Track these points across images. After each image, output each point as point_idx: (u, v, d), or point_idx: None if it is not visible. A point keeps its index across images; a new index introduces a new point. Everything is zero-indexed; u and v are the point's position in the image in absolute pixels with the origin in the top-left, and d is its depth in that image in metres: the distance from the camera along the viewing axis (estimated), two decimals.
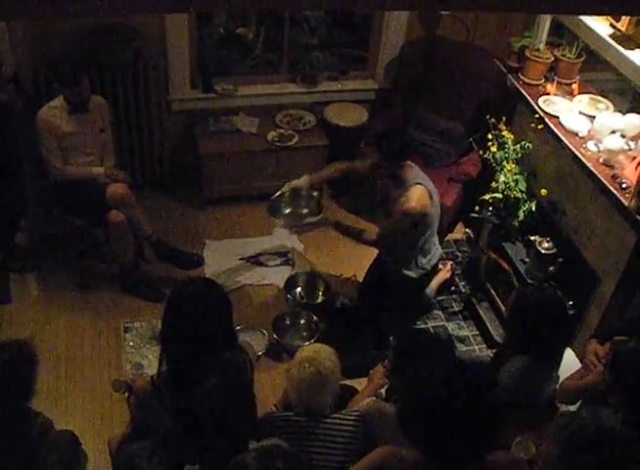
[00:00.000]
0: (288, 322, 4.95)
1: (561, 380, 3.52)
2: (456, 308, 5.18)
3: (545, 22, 4.78)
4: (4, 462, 3.05)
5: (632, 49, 4.19)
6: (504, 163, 4.68)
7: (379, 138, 4.33)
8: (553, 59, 4.81)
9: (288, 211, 4.70)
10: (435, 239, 4.65)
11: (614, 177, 4.06)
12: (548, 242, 4.42)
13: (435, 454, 2.32)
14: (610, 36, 4.34)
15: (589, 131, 4.40)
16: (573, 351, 3.82)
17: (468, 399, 2.22)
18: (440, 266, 5.24)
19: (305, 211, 4.66)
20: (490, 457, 2.38)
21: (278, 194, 4.67)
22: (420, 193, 4.21)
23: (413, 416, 2.32)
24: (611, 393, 3.03)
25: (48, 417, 3.33)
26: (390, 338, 3.48)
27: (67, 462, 3.38)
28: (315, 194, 4.66)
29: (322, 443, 3.07)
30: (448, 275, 5.21)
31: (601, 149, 4.25)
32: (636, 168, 4.03)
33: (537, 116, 4.62)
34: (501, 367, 3.48)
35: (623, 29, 4.26)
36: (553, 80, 4.81)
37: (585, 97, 4.69)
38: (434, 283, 5.11)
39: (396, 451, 2.46)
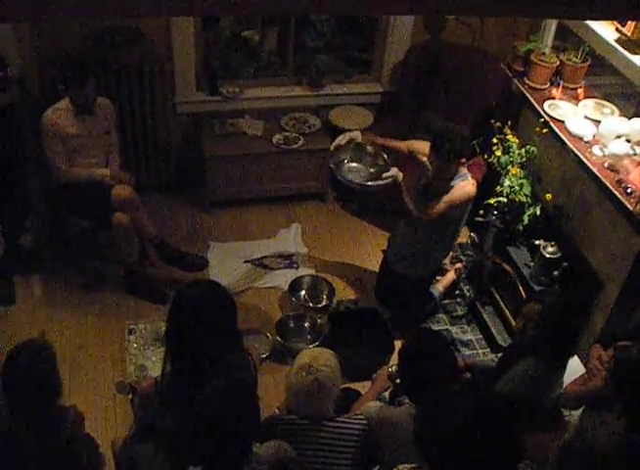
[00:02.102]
0: (292, 325, 4.94)
1: (565, 385, 3.52)
2: (460, 312, 5.17)
3: (551, 26, 4.79)
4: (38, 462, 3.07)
5: (638, 54, 4.20)
6: (509, 167, 4.68)
7: None
8: (558, 63, 4.82)
9: (352, 165, 4.45)
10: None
11: (619, 182, 4.06)
12: (553, 246, 4.42)
13: None
14: (615, 41, 4.35)
15: (594, 136, 4.40)
16: (578, 355, 3.82)
17: (488, 429, 2.20)
18: (448, 267, 5.27)
19: (372, 169, 4.43)
20: None
21: (336, 146, 4.43)
22: (474, 184, 4.48)
23: (430, 439, 2.31)
24: (614, 398, 3.03)
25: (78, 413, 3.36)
26: (395, 341, 3.49)
27: (94, 465, 3.42)
28: (379, 150, 4.43)
29: (325, 446, 3.07)
30: (455, 276, 5.22)
31: (606, 154, 4.25)
32: None
33: (542, 120, 4.62)
34: (508, 370, 3.48)
35: (629, 34, 4.27)
36: (558, 85, 4.82)
37: (590, 101, 4.69)
38: (442, 285, 5.12)
39: None
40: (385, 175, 4.26)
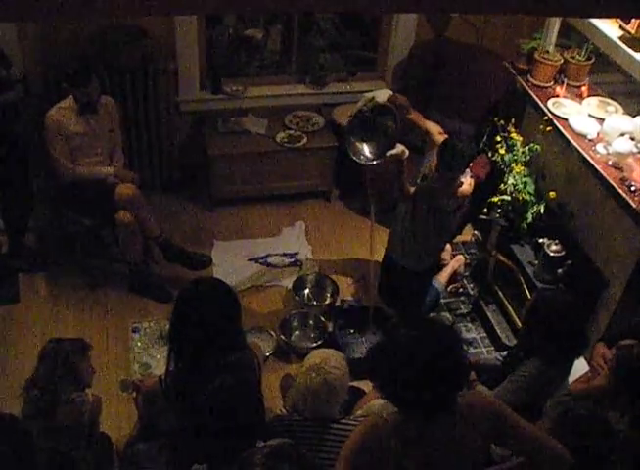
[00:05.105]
0: (296, 323, 4.94)
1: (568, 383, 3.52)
2: (464, 310, 5.17)
3: (555, 24, 4.78)
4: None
5: None
6: (513, 165, 4.67)
7: None
8: (562, 61, 4.80)
9: (364, 139, 4.19)
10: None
11: (623, 180, 4.06)
12: (556, 244, 4.41)
13: (405, 404, 2.38)
14: (619, 39, 4.34)
15: (598, 134, 4.39)
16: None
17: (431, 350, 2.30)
18: (449, 259, 5.25)
19: (383, 141, 4.16)
20: (464, 400, 2.41)
21: (355, 112, 4.16)
22: (472, 183, 4.40)
23: (378, 367, 2.37)
24: (617, 396, 3.03)
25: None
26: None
27: (100, 463, 3.44)
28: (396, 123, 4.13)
29: (331, 447, 3.05)
30: (457, 266, 5.20)
31: (610, 151, 4.24)
32: None
33: (546, 118, 4.61)
34: (513, 370, 3.47)
35: (633, 32, 4.26)
36: (562, 83, 4.80)
37: (594, 99, 4.68)
38: (443, 277, 5.10)
39: (376, 419, 2.47)
40: (389, 153, 4.13)
